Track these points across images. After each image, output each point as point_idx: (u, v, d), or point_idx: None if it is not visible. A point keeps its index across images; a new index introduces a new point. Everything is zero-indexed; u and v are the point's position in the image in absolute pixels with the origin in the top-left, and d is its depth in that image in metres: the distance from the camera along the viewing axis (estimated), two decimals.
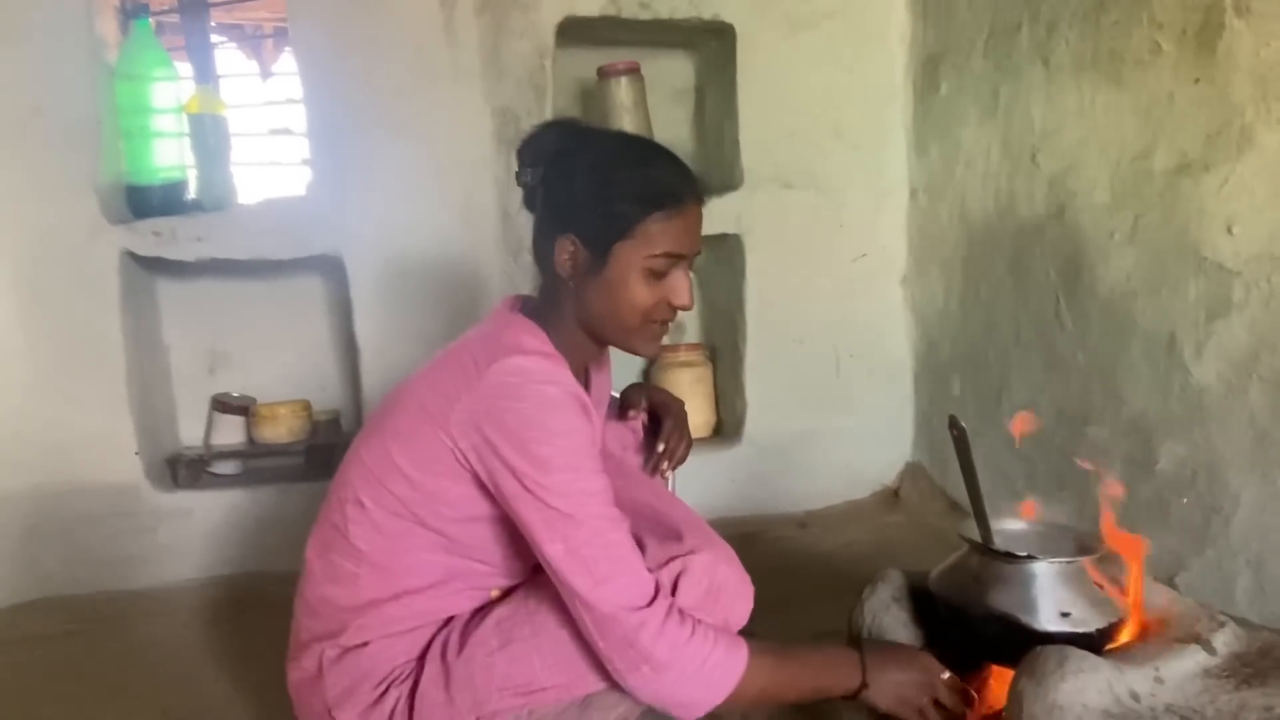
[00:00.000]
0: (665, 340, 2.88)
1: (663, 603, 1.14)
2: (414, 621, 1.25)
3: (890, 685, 1.25)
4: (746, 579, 1.29)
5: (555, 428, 1.15)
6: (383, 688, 1.23)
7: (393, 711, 1.22)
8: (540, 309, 1.31)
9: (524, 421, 1.15)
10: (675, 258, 1.23)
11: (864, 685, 1.23)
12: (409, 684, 1.22)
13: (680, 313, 1.29)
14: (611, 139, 1.33)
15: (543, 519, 1.14)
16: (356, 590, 1.25)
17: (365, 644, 1.24)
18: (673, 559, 1.22)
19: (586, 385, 1.43)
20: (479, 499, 1.22)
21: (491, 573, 1.30)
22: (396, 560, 1.25)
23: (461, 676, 1.20)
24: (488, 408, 1.16)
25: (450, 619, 1.27)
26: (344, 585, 1.26)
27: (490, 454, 1.15)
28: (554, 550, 1.14)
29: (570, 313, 1.29)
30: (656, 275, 1.23)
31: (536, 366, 1.19)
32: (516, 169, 1.31)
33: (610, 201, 1.22)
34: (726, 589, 1.25)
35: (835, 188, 2.75)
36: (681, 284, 1.25)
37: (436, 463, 1.20)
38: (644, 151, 1.28)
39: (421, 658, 1.24)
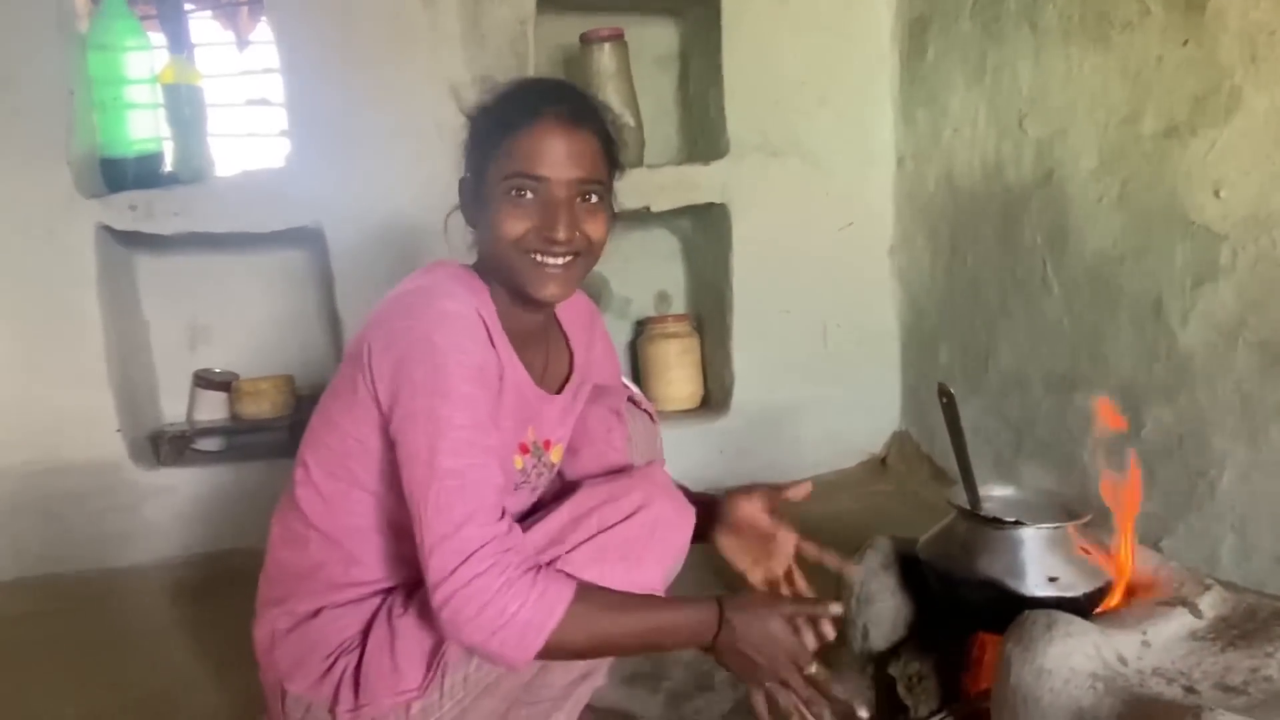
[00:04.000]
0: (652, 312, 2.96)
1: (475, 565, 1.08)
2: (360, 591, 1.24)
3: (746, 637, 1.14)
4: (686, 511, 1.30)
5: (439, 344, 1.12)
6: (331, 659, 1.22)
7: (340, 680, 1.21)
8: (477, 265, 1.30)
9: (411, 341, 1.13)
10: (534, 179, 1.17)
11: (717, 635, 1.14)
12: (356, 654, 1.21)
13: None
14: (516, 78, 1.31)
15: (399, 455, 1.13)
16: (307, 553, 1.24)
17: (316, 613, 1.24)
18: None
19: (570, 357, 1.40)
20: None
21: None
22: (337, 523, 1.24)
23: (408, 639, 1.18)
24: (387, 330, 1.15)
25: (394, 588, 1.26)
26: (296, 549, 1.26)
27: (392, 387, 1.13)
28: (405, 488, 1.13)
29: (486, 262, 1.26)
30: (518, 197, 1.18)
31: (437, 283, 1.18)
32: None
33: (482, 129, 1.23)
34: (662, 522, 1.26)
35: (822, 156, 2.72)
36: (553, 211, 1.17)
37: (360, 408, 1.18)
38: (529, 79, 1.28)
39: (367, 629, 1.23)
